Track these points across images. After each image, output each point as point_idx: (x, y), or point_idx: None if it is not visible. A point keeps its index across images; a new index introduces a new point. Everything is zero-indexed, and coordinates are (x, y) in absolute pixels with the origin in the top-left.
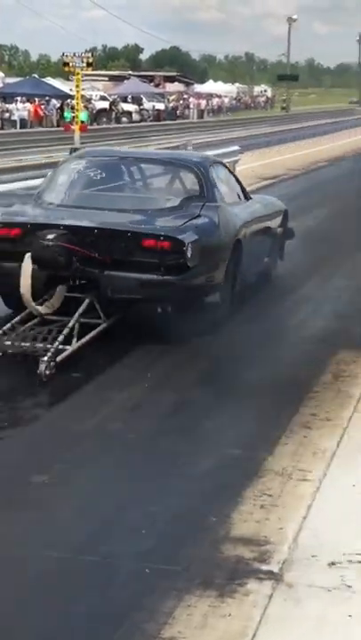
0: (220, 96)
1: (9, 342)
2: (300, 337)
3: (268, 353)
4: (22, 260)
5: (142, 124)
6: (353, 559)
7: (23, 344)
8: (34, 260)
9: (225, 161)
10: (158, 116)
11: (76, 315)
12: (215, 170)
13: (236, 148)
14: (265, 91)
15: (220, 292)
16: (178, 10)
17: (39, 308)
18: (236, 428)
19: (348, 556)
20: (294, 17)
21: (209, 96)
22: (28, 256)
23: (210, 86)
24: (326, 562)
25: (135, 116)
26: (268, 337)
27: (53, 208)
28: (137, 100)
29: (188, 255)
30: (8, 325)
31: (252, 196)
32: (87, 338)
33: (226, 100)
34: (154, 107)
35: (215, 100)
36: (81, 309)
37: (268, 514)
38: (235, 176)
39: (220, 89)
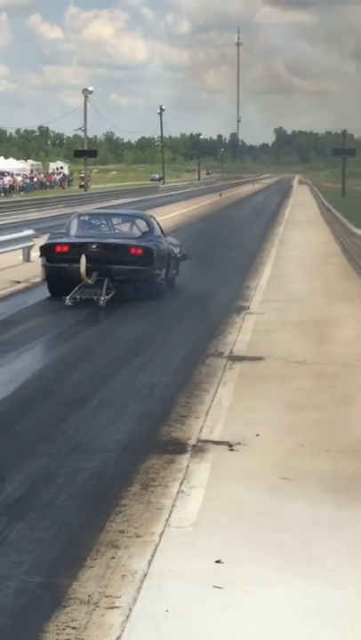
0: (11, 174)
1: (78, 296)
2: (103, 445)
3: (62, 470)
4: (71, 262)
5: None
6: None
7: (86, 296)
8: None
9: (16, 247)
10: None
11: (104, 286)
12: (152, 219)
13: (30, 232)
14: (61, 167)
15: (163, 278)
16: None
17: (88, 280)
18: (35, 551)
19: None
20: (90, 88)
21: None
22: (83, 256)
23: None
24: None
25: None
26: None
27: (79, 236)
28: None
29: (154, 256)
30: (75, 290)
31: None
32: (110, 295)
33: (19, 179)
34: None
35: (6, 179)
36: (105, 284)
37: None
38: (158, 223)
39: (11, 166)
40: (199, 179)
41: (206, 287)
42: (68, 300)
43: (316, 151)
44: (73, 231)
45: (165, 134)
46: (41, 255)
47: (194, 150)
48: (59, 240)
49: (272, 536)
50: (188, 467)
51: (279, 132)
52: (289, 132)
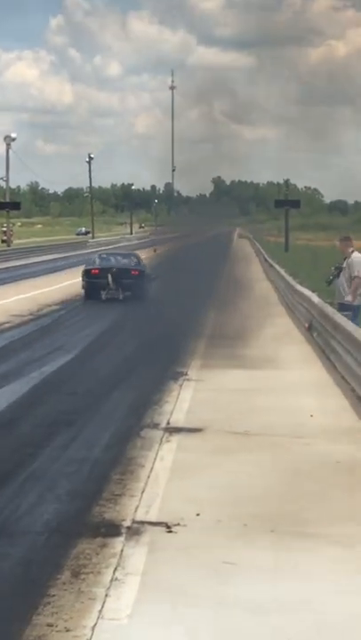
0: None
1: (105, 296)
2: (28, 527)
3: None
4: (100, 279)
5: None
6: None
7: (111, 297)
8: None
9: None
10: None
11: (121, 292)
12: (139, 256)
13: None
14: None
15: (147, 290)
16: None
17: (112, 286)
18: None
19: None
20: (13, 135)
21: None
22: (109, 274)
23: None
24: None
25: None
26: None
27: (103, 265)
28: None
29: (144, 275)
30: (105, 292)
31: None
32: (122, 296)
33: None
34: None
35: None
36: (121, 291)
37: None
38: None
39: None
40: (132, 232)
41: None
42: (103, 296)
43: (256, 202)
44: (97, 262)
45: (95, 184)
46: (83, 274)
47: (125, 202)
48: (92, 267)
49: (215, 626)
50: (122, 551)
51: (217, 182)
52: (228, 181)
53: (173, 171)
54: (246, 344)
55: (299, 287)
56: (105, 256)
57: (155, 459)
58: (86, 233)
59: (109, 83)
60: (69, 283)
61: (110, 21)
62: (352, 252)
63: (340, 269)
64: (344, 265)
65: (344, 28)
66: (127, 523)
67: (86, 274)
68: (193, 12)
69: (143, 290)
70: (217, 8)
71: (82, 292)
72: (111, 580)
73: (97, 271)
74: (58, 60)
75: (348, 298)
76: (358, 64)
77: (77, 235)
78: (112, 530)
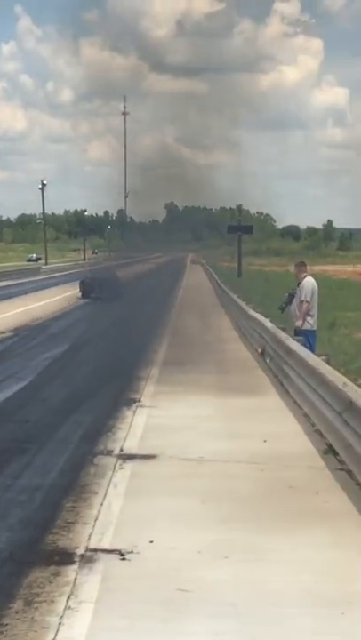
0: None
1: (93, 296)
2: None
3: None
4: (93, 285)
5: None
6: None
7: (97, 296)
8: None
9: None
10: None
11: (104, 294)
12: (117, 272)
13: None
14: None
15: (121, 293)
16: None
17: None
18: None
19: None
20: None
21: None
22: (97, 283)
23: None
24: None
25: None
26: None
27: (93, 276)
28: None
29: (120, 283)
30: (93, 295)
31: None
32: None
33: None
34: None
35: None
36: (104, 293)
37: None
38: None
39: None
40: (85, 259)
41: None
42: (92, 296)
43: (209, 228)
44: (90, 276)
45: (48, 211)
46: (80, 284)
47: (78, 228)
48: (86, 278)
49: None
50: (76, 579)
51: (170, 208)
52: (180, 207)
53: (126, 197)
54: (199, 370)
55: (252, 312)
56: (94, 272)
57: (108, 486)
58: (37, 259)
59: (62, 108)
60: (23, 310)
61: (62, 47)
62: (305, 277)
63: (292, 295)
64: (297, 290)
65: (295, 54)
66: (80, 551)
67: (82, 283)
68: (145, 38)
69: (118, 293)
70: (168, 35)
71: (78, 294)
72: (65, 609)
73: (89, 281)
74: (10, 87)
75: (298, 322)
76: (309, 89)
77: (28, 261)
78: (65, 558)
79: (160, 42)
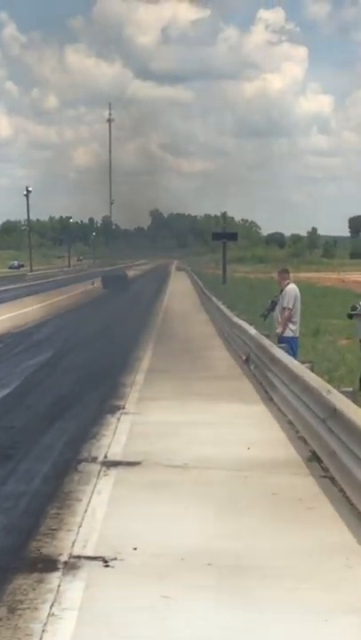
0: None
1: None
2: None
3: None
4: (111, 280)
5: None
6: None
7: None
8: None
9: None
10: None
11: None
12: (126, 271)
13: None
14: None
15: (128, 286)
16: None
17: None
18: None
19: None
20: None
21: None
22: (112, 278)
23: None
24: None
25: None
26: None
27: (110, 274)
28: None
29: (127, 279)
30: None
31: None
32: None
33: None
34: None
35: None
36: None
37: None
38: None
39: None
40: (70, 265)
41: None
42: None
43: (194, 235)
44: (109, 273)
45: (33, 217)
46: (101, 279)
47: (63, 235)
48: (106, 275)
49: None
50: (59, 586)
51: (155, 215)
52: (165, 214)
53: (112, 204)
54: (183, 376)
55: (236, 319)
56: (110, 271)
57: (92, 492)
58: (19, 267)
59: (47, 115)
60: (8, 316)
61: (47, 54)
62: (287, 284)
63: (275, 303)
64: (279, 298)
65: (279, 62)
66: (64, 557)
67: (103, 279)
68: (129, 45)
69: (125, 286)
70: (153, 42)
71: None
72: (48, 616)
73: (107, 278)
74: None
75: (279, 329)
76: (293, 97)
77: (10, 268)
78: (49, 565)
79: (144, 49)
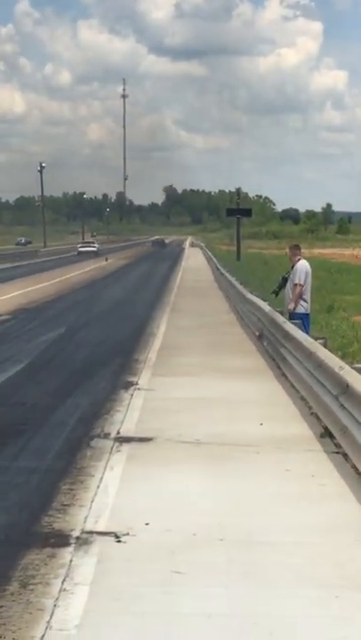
0: None
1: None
2: None
3: None
4: (158, 243)
5: None
6: None
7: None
8: None
9: None
10: None
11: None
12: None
13: None
14: None
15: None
16: None
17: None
18: None
19: None
20: None
21: None
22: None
23: None
24: None
25: None
26: None
27: (154, 241)
28: None
29: (166, 244)
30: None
31: None
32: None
33: None
34: None
35: None
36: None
37: None
38: None
39: None
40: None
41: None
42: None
43: (208, 211)
44: (154, 240)
45: (46, 193)
46: (151, 243)
47: (77, 211)
48: (154, 240)
49: (164, 636)
50: (71, 561)
51: (169, 191)
52: (180, 190)
53: (125, 179)
54: (195, 352)
55: (250, 296)
56: (156, 239)
57: (105, 468)
58: (26, 243)
59: (60, 91)
60: (20, 292)
61: (60, 30)
62: (298, 260)
63: (286, 279)
64: (290, 274)
65: (294, 37)
66: (76, 533)
67: (153, 242)
68: (143, 21)
69: (164, 245)
70: (167, 17)
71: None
72: (60, 591)
73: (154, 242)
74: (8, 69)
75: (291, 305)
76: (308, 73)
77: (17, 245)
78: (61, 540)
79: (158, 24)
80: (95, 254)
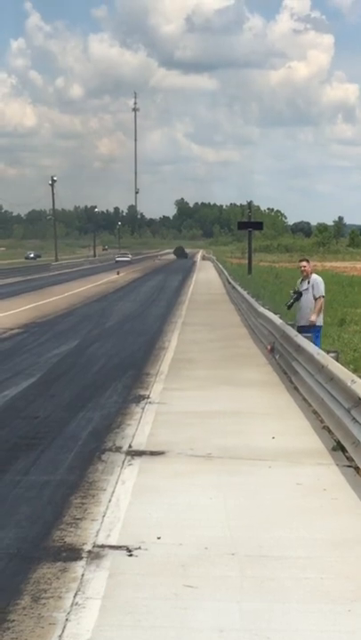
0: None
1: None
2: None
3: None
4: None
5: None
6: None
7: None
8: None
9: None
10: None
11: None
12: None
13: None
14: None
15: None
16: None
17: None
18: None
19: None
20: None
21: None
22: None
23: None
24: None
25: None
26: None
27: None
28: None
29: (187, 254)
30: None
31: None
32: None
33: None
34: None
35: None
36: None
37: None
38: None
39: None
40: (95, 255)
41: None
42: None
43: (220, 224)
44: (177, 250)
45: (58, 207)
46: (174, 251)
47: (89, 224)
48: (176, 250)
49: None
50: (83, 575)
51: (180, 204)
52: (191, 204)
53: (137, 193)
54: (207, 366)
55: (261, 309)
56: (177, 249)
57: (116, 482)
58: (35, 257)
59: (71, 105)
60: (32, 306)
61: (71, 44)
62: (310, 273)
63: (299, 293)
64: (299, 287)
65: (305, 51)
66: (88, 547)
67: (175, 251)
68: (154, 34)
69: (186, 255)
70: (177, 31)
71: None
72: (72, 605)
73: (175, 251)
74: (19, 83)
75: (313, 317)
76: (319, 85)
77: (26, 259)
78: (73, 554)
79: (169, 37)
80: (129, 262)
